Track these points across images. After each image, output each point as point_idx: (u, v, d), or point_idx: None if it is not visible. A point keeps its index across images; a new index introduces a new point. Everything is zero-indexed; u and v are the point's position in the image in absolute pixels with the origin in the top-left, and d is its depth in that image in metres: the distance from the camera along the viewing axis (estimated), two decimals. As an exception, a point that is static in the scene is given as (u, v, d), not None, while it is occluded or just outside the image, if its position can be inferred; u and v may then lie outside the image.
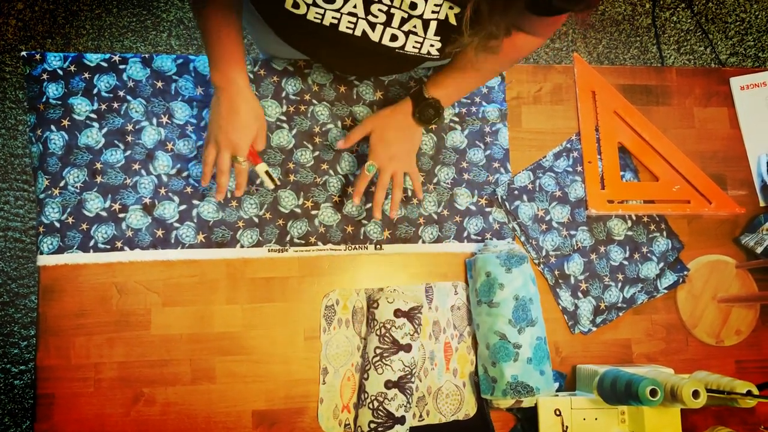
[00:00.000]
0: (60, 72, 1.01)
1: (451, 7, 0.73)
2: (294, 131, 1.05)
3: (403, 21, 0.75)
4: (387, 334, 0.95)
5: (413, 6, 0.73)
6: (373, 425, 0.92)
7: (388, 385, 0.93)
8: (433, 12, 0.74)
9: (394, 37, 0.78)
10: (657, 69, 1.20)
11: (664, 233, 1.11)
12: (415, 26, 0.76)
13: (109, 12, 1.95)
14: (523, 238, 1.08)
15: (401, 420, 0.92)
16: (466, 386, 1.01)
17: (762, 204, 1.16)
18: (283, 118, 1.05)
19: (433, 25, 0.75)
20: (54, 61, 1.01)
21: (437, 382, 1.01)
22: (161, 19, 1.97)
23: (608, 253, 1.09)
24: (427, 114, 0.95)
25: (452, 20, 0.74)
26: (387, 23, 0.76)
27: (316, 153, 1.05)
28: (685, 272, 1.10)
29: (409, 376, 0.94)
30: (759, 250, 1.11)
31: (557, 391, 1.02)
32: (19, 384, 1.72)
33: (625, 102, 1.14)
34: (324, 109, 1.06)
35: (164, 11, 1.98)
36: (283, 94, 1.06)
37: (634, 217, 1.11)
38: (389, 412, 0.92)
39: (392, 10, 0.74)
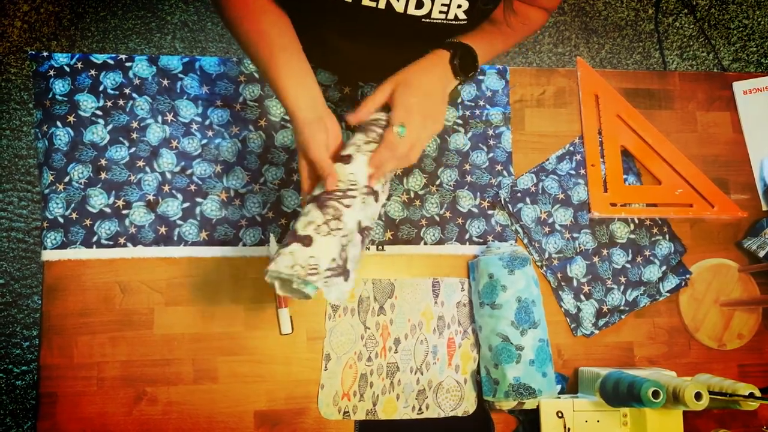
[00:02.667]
0: (67, 68, 1.02)
1: None
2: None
3: None
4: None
5: None
6: (333, 264, 0.75)
7: (307, 198, 0.80)
8: None
9: (419, 4, 0.75)
10: (660, 73, 1.20)
11: (667, 237, 1.12)
12: None
13: (114, 14, 1.96)
14: (525, 241, 1.08)
15: (303, 239, 0.74)
16: (467, 383, 1.02)
17: (764, 208, 1.16)
18: (288, 117, 1.05)
19: None
20: (61, 58, 1.02)
21: (438, 376, 1.01)
22: (166, 21, 1.98)
23: (611, 256, 1.09)
24: (467, 62, 0.83)
25: None
26: None
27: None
28: (688, 276, 1.10)
29: (339, 194, 0.77)
30: (761, 253, 1.11)
31: (559, 393, 1.02)
32: (20, 384, 1.72)
33: (627, 106, 1.15)
34: (328, 110, 1.07)
35: (169, 14, 1.99)
36: (288, 96, 1.06)
37: (636, 221, 1.11)
38: (293, 230, 0.76)
39: None
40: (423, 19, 0.78)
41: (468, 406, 1.01)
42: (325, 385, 0.99)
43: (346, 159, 0.78)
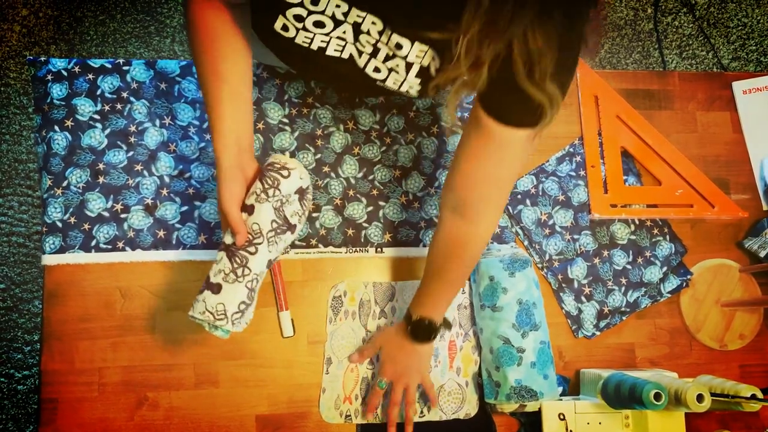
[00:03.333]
0: (64, 73, 1.01)
1: (433, 58, 0.73)
2: (296, 134, 1.05)
3: (388, 57, 0.75)
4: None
5: (399, 46, 0.73)
6: (242, 306, 0.82)
7: (221, 247, 0.84)
8: (416, 57, 0.73)
9: (377, 70, 0.77)
10: (659, 73, 1.20)
11: (667, 237, 1.11)
12: (397, 65, 0.75)
13: (113, 18, 1.96)
14: (526, 243, 1.08)
15: (213, 287, 0.81)
16: (468, 385, 1.01)
17: (765, 208, 1.16)
18: (286, 120, 1.05)
19: (415, 68, 0.75)
20: (58, 62, 1.02)
21: (440, 379, 1.00)
22: (165, 24, 1.98)
23: (611, 257, 1.09)
24: (422, 333, 0.91)
25: (432, 71, 0.74)
26: (372, 55, 0.75)
27: (318, 156, 1.05)
28: (689, 276, 1.10)
29: (246, 243, 0.82)
30: (762, 253, 1.11)
31: (561, 395, 1.02)
32: (22, 389, 1.72)
33: (627, 106, 1.15)
34: (326, 113, 1.07)
35: (168, 17, 1.99)
36: (286, 97, 1.06)
37: (637, 221, 1.11)
38: (207, 276, 0.82)
39: (379, 45, 0.74)
40: (378, 83, 0.79)
41: (470, 408, 1.01)
42: (326, 388, 0.99)
43: (249, 209, 0.82)
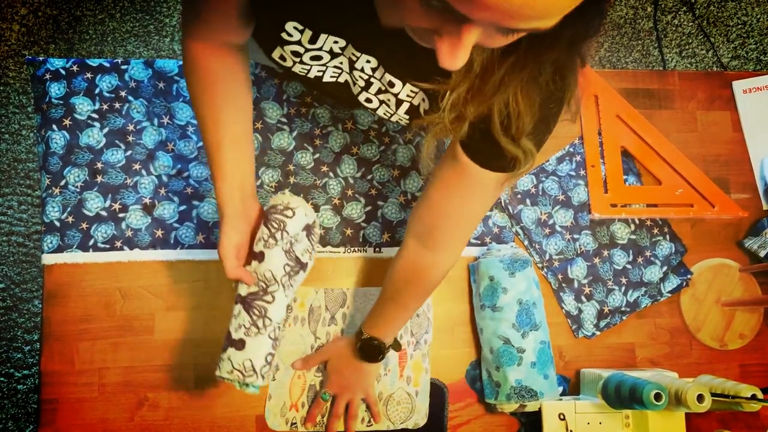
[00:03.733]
0: (62, 72, 1.01)
1: (423, 99, 0.73)
2: (294, 133, 1.05)
3: (380, 91, 0.75)
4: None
5: (391, 84, 0.73)
6: (269, 358, 0.83)
7: (237, 299, 0.83)
8: (408, 96, 0.74)
9: (369, 100, 0.77)
10: (659, 73, 1.20)
11: (668, 237, 1.11)
12: (389, 99, 0.75)
13: (112, 17, 1.96)
14: (526, 242, 1.08)
15: (237, 343, 0.81)
16: (419, 395, 1.00)
17: (765, 207, 1.16)
18: (284, 120, 1.05)
19: (405, 105, 0.75)
20: (57, 61, 1.01)
21: (389, 388, 0.99)
22: (164, 24, 1.98)
23: (611, 256, 1.09)
24: (370, 352, 0.92)
25: (421, 111, 0.74)
26: (365, 88, 0.75)
27: (317, 155, 1.05)
28: (689, 276, 1.10)
29: (261, 293, 0.82)
30: (762, 253, 1.11)
31: (561, 395, 1.02)
32: (22, 389, 1.72)
33: (627, 106, 1.14)
34: (325, 112, 1.06)
35: (167, 16, 1.98)
36: (285, 96, 1.06)
37: (637, 221, 1.11)
38: (228, 332, 0.82)
39: (372, 80, 0.74)
40: (370, 110, 0.80)
41: (419, 418, 0.99)
42: (272, 395, 0.97)
43: (259, 256, 0.82)
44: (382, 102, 0.77)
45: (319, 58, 0.72)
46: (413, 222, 0.84)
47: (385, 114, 0.79)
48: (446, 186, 0.76)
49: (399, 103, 0.75)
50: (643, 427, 0.95)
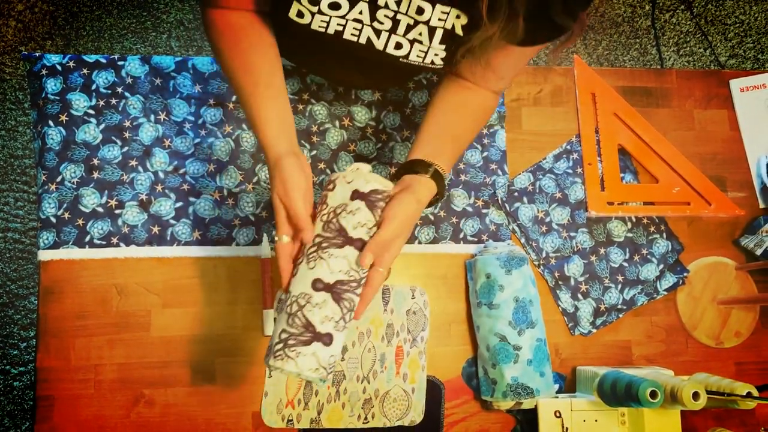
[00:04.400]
0: (59, 68, 1.01)
1: (458, 17, 0.72)
2: (294, 132, 1.05)
3: (409, 28, 0.74)
4: (334, 220, 0.73)
5: (420, 11, 0.72)
6: (284, 335, 0.69)
7: (318, 285, 0.70)
8: (439, 20, 0.73)
9: (398, 45, 0.77)
10: (657, 71, 1.20)
11: (664, 235, 1.11)
12: (420, 33, 0.74)
13: (109, 13, 1.95)
14: (523, 240, 1.08)
15: (324, 338, 0.69)
16: (415, 392, 1.00)
17: (762, 206, 1.16)
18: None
19: (438, 33, 0.74)
20: (53, 57, 1.01)
21: (386, 385, 0.99)
22: (161, 20, 1.97)
23: (608, 254, 1.09)
24: (441, 183, 0.82)
25: (458, 30, 0.73)
26: (392, 30, 0.75)
27: (314, 152, 1.05)
28: (685, 274, 1.10)
29: (354, 284, 0.72)
30: (759, 251, 1.11)
31: (557, 392, 1.02)
32: (18, 385, 1.72)
33: (624, 104, 1.14)
34: (322, 109, 1.06)
35: (164, 12, 1.98)
36: (283, 96, 1.06)
37: (634, 219, 1.11)
38: (308, 322, 0.69)
39: (398, 17, 0.73)
40: (401, 59, 0.79)
41: (415, 415, 0.99)
42: (269, 392, 0.97)
43: (357, 243, 0.72)
44: (413, 42, 0.75)
45: (337, 6, 0.71)
46: (465, 64, 0.83)
47: (418, 56, 0.77)
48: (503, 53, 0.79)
49: (432, 32, 0.73)
50: (638, 425, 0.95)
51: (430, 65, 0.79)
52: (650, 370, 1.00)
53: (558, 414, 0.95)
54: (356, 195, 0.73)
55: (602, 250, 1.09)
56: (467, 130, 0.88)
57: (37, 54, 1.01)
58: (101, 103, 1.01)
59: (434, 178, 0.80)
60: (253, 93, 0.77)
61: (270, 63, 0.80)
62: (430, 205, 0.82)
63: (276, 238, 0.74)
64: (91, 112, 1.00)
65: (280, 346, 0.68)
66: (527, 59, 0.84)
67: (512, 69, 0.85)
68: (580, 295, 1.07)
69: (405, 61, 0.79)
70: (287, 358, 0.68)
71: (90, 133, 1.00)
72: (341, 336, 0.71)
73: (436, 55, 0.77)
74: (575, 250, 1.08)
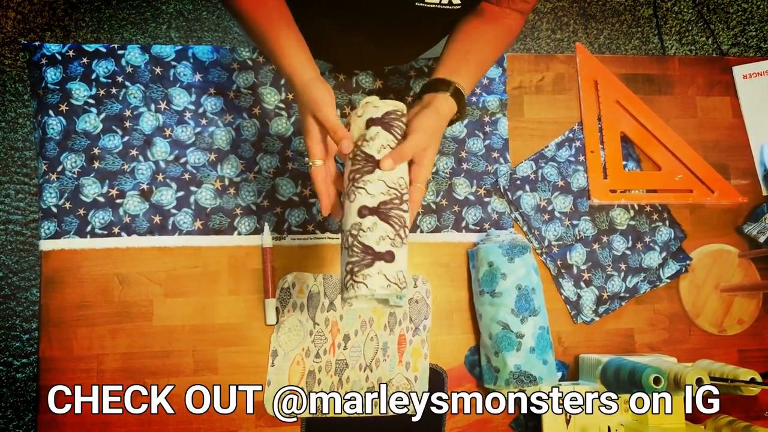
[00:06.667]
0: (58, 57, 1.00)
1: None
2: (293, 119, 1.04)
3: None
4: (358, 152, 0.75)
5: None
6: (348, 267, 0.71)
7: (363, 212, 0.73)
8: None
9: None
10: (659, 58, 1.19)
11: (667, 223, 1.11)
12: None
13: (108, 4, 1.95)
14: (525, 228, 1.08)
15: (385, 256, 0.71)
16: (417, 380, 1.00)
17: (765, 193, 1.15)
18: (282, 105, 1.05)
19: None
20: (53, 46, 1.01)
21: (388, 374, 0.99)
22: (161, 11, 1.97)
23: (611, 242, 1.09)
24: (461, 104, 0.84)
25: None
26: None
27: (317, 142, 1.05)
28: (688, 261, 1.10)
29: (397, 201, 0.74)
30: (762, 239, 1.11)
31: (560, 380, 1.02)
32: (21, 377, 1.72)
33: (627, 91, 1.14)
34: (325, 99, 1.06)
35: (164, 3, 1.97)
36: (282, 81, 1.05)
37: (636, 207, 1.11)
38: (366, 246, 0.72)
39: None
40: (416, 3, 0.77)
41: (418, 404, 0.99)
42: (271, 381, 0.97)
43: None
44: None
45: None
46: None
47: None
48: None
49: None
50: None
51: (448, 6, 0.77)
52: (653, 357, 1.00)
53: (560, 402, 0.95)
54: (371, 122, 0.75)
55: (605, 238, 1.09)
56: (491, 51, 0.88)
57: (36, 43, 1.01)
58: (101, 92, 1.00)
59: (454, 95, 0.81)
60: (270, 30, 0.78)
61: (281, 11, 0.80)
62: (450, 123, 0.83)
63: (310, 163, 0.76)
64: (92, 101, 1.00)
65: (348, 277, 0.71)
66: None
67: None
68: (582, 283, 1.06)
69: (421, 4, 0.77)
70: (357, 284, 0.70)
71: (90, 122, 0.99)
72: (402, 251, 0.73)
73: None
74: (578, 238, 1.08)
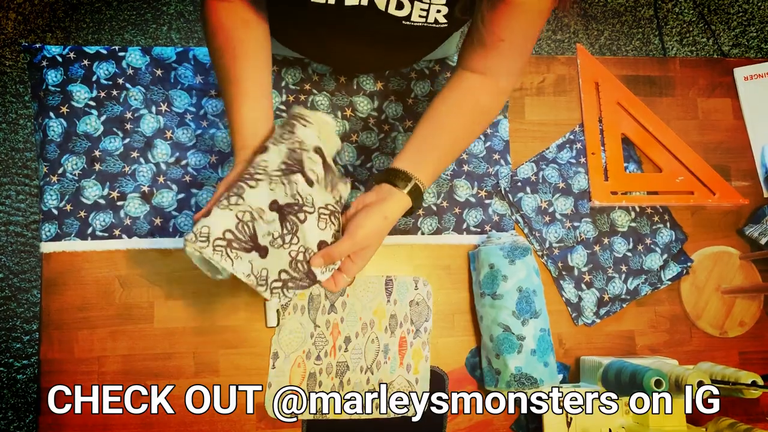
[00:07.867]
0: (59, 59, 1.00)
1: None
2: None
3: None
4: (251, 225, 0.76)
5: None
6: (228, 235, 0.72)
7: (273, 206, 0.76)
8: None
9: (400, 5, 0.76)
10: (660, 60, 1.19)
11: (668, 224, 1.11)
12: None
13: (109, 5, 1.95)
14: (526, 230, 1.08)
15: (262, 250, 0.75)
16: (418, 382, 1.00)
17: (766, 195, 1.15)
18: (282, 107, 1.05)
19: None
20: (53, 48, 1.01)
21: (389, 376, 0.99)
22: (161, 12, 1.97)
23: (612, 244, 1.09)
24: (417, 200, 0.83)
25: None
26: None
27: (318, 145, 1.05)
28: (689, 263, 1.10)
29: (296, 209, 0.77)
30: (763, 241, 1.11)
31: (561, 382, 1.02)
32: (22, 378, 1.72)
33: (628, 93, 1.14)
34: (324, 99, 1.06)
35: (164, 4, 1.97)
36: (283, 84, 1.05)
37: (637, 209, 1.11)
38: (254, 235, 0.74)
39: None
40: (404, 21, 0.78)
41: (418, 406, 0.99)
42: (272, 383, 0.97)
43: (262, 149, 0.78)
44: (413, 0, 0.75)
45: None
46: (464, 53, 0.83)
47: (420, 16, 0.77)
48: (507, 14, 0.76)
49: None
50: (643, 414, 0.95)
51: (434, 24, 0.78)
52: (654, 359, 1.00)
53: (561, 404, 0.95)
54: (274, 206, 0.76)
55: (606, 240, 1.09)
56: (462, 134, 0.87)
57: (37, 45, 1.01)
58: (102, 94, 1.01)
59: (412, 193, 0.81)
60: (234, 101, 0.80)
61: (257, 71, 0.81)
62: (406, 215, 0.84)
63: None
64: (92, 103, 1.00)
65: (222, 242, 0.73)
66: (530, 24, 0.78)
67: (516, 36, 0.79)
68: (583, 285, 1.06)
69: (408, 23, 0.78)
70: (221, 253, 0.72)
71: (91, 124, 0.99)
72: (277, 253, 0.75)
73: (438, 12, 0.76)
74: (579, 240, 1.08)
